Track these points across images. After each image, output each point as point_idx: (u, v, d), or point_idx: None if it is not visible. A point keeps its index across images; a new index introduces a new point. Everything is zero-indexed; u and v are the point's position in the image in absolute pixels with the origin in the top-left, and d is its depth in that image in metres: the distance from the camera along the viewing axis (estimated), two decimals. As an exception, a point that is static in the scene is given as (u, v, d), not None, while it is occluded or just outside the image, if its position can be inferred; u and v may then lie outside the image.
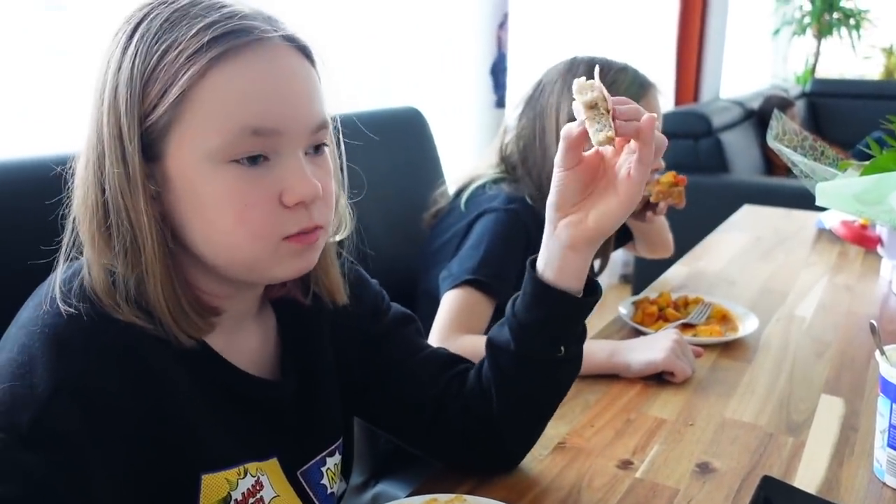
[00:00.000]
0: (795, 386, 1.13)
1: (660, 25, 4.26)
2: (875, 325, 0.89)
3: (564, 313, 0.81)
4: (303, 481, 0.82)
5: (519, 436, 0.89)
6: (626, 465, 0.92)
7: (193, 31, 0.64)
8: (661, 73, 4.34)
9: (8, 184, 0.85)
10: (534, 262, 0.82)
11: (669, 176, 1.44)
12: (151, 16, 0.65)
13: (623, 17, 3.64)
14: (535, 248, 1.27)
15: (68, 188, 0.70)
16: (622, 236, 1.67)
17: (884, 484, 0.87)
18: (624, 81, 1.31)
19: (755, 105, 4.44)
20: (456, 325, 1.20)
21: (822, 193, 0.99)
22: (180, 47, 0.63)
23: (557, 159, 0.77)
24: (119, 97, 0.64)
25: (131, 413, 0.65)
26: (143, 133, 0.64)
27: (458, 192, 1.41)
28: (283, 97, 0.66)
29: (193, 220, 0.67)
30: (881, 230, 1.61)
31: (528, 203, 1.31)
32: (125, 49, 0.64)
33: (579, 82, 0.74)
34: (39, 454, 0.59)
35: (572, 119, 1.14)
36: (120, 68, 0.64)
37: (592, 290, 0.82)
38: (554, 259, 0.79)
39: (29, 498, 0.58)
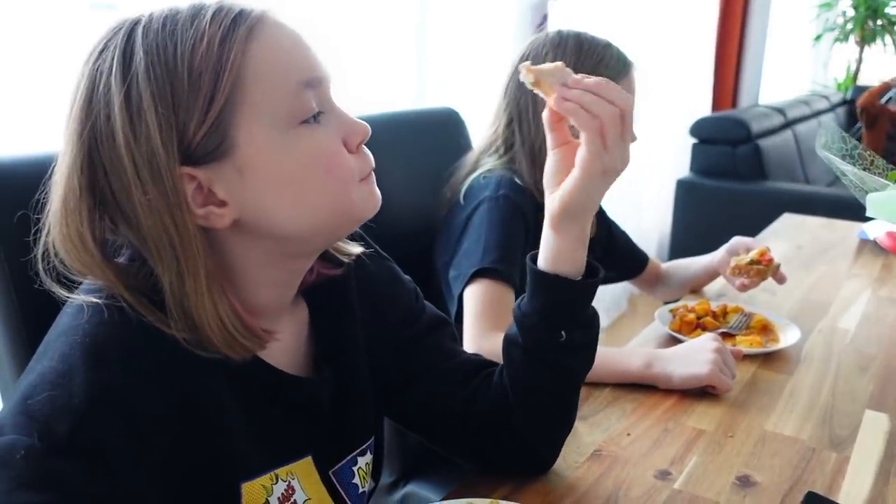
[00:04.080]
0: (838, 400, 1.10)
1: (699, 28, 4.19)
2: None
3: (561, 298, 0.81)
4: (335, 480, 0.82)
5: (541, 434, 0.88)
6: (664, 475, 0.90)
7: (206, 21, 0.63)
8: (699, 78, 4.29)
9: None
10: (534, 255, 0.84)
11: (756, 252, 1.42)
12: (139, 30, 0.63)
13: (662, 17, 3.59)
14: (533, 226, 1.27)
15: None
16: (627, 271, 1.66)
17: (932, 504, 0.85)
18: (611, 59, 1.32)
19: (795, 112, 4.37)
20: (484, 321, 1.18)
21: (873, 204, 0.96)
22: (206, 38, 0.62)
23: (547, 141, 0.81)
24: (143, 123, 0.61)
25: (170, 424, 0.64)
26: (192, 143, 0.62)
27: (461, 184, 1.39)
28: (308, 49, 0.69)
29: (278, 197, 0.66)
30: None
31: (518, 184, 1.31)
32: (126, 75, 0.61)
33: (540, 69, 0.77)
34: (76, 464, 0.58)
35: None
36: (129, 97, 0.61)
37: (592, 274, 0.83)
38: (545, 246, 0.82)
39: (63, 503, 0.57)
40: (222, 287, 0.68)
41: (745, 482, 0.89)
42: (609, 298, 3.31)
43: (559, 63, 0.77)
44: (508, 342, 0.86)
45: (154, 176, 0.62)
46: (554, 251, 0.81)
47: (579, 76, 0.76)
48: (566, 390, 0.88)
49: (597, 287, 0.83)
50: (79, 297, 0.65)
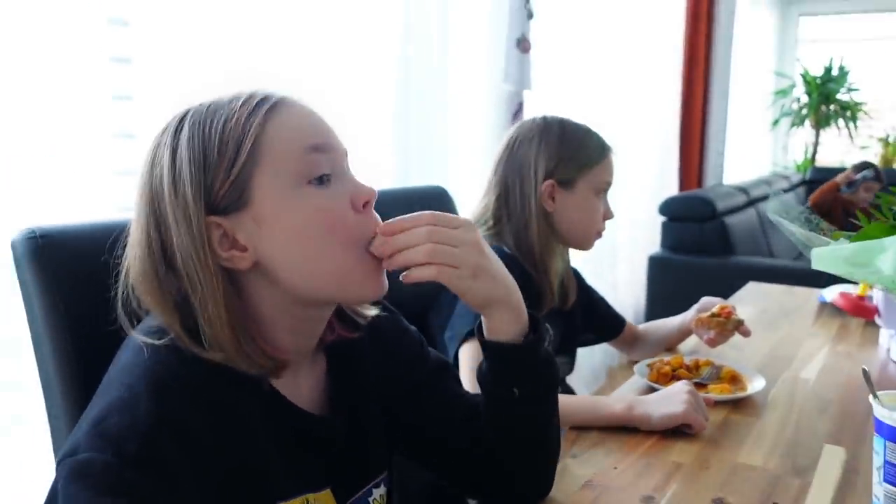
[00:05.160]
0: (801, 436, 1.23)
1: (664, 114, 4.47)
2: (867, 370, 1.00)
3: (507, 360, 0.92)
4: None
5: (522, 467, 0.98)
6: (648, 499, 1.01)
7: (238, 103, 0.79)
8: (667, 160, 4.53)
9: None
10: (480, 326, 0.94)
11: (717, 307, 1.59)
12: (190, 113, 0.80)
13: (630, 105, 3.84)
14: (525, 292, 1.40)
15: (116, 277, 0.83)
16: (606, 333, 1.79)
17: (882, 517, 0.97)
18: (590, 143, 1.50)
19: (758, 192, 4.62)
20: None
21: (817, 257, 1.11)
22: (235, 116, 0.78)
23: None
24: (182, 179, 0.76)
25: (218, 447, 0.74)
26: (216, 195, 0.76)
27: None
28: (321, 124, 0.83)
29: (290, 254, 0.78)
30: (878, 301, 1.72)
31: (506, 252, 1.46)
32: (174, 145, 0.78)
33: None
34: (145, 477, 0.68)
35: (547, 171, 1.44)
36: (174, 160, 0.77)
37: (535, 329, 0.94)
38: (484, 322, 0.93)
39: None
40: (246, 326, 0.79)
41: (720, 503, 1.00)
42: (589, 372, 3.43)
43: None
44: (480, 397, 0.98)
45: (187, 222, 0.76)
46: (488, 327, 0.93)
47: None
48: (533, 433, 0.97)
49: (540, 343, 0.93)
50: (139, 337, 0.77)
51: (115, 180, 1.52)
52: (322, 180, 0.80)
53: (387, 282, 0.85)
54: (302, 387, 0.88)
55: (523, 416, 0.95)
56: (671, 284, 3.74)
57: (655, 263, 3.88)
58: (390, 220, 0.84)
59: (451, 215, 0.86)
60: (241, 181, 0.77)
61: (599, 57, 3.48)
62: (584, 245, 1.55)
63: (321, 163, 0.80)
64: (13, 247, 0.92)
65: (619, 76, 3.69)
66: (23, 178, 1.39)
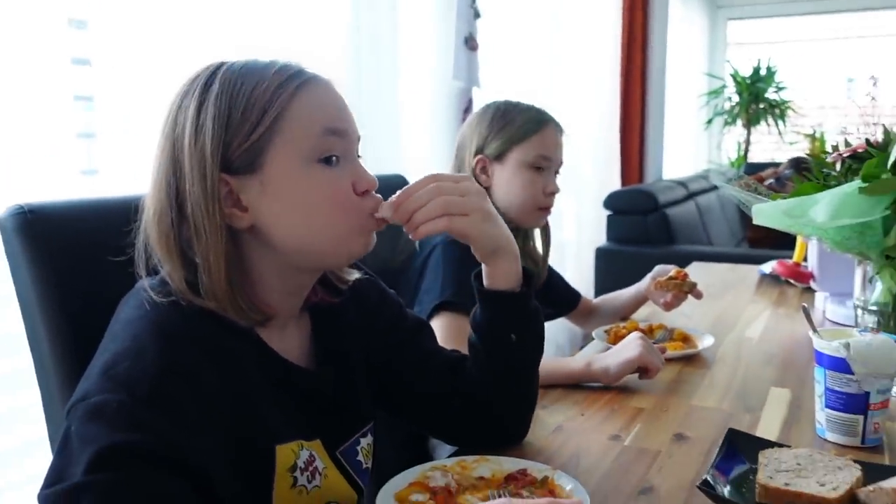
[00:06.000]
0: (749, 382, 1.33)
1: (604, 115, 4.61)
2: (807, 307, 1.10)
3: (506, 307, 1.01)
4: (342, 459, 0.97)
5: (510, 412, 1.06)
6: (615, 437, 1.09)
7: (271, 72, 0.84)
8: (608, 157, 4.67)
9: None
10: (478, 275, 1.03)
11: (674, 271, 1.69)
12: (223, 69, 0.84)
13: (573, 103, 3.96)
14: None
15: (138, 219, 0.87)
16: (563, 307, 1.88)
17: (825, 440, 1.07)
18: (519, 118, 1.55)
19: (696, 186, 4.81)
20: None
21: (758, 212, 1.22)
22: (266, 83, 0.82)
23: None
24: (204, 132, 0.81)
25: (222, 391, 0.79)
26: (232, 155, 0.81)
27: None
28: (343, 109, 0.89)
29: (290, 214, 0.84)
30: (813, 267, 1.85)
31: None
32: (203, 97, 0.82)
33: None
34: (159, 415, 0.71)
35: (478, 147, 1.55)
36: (200, 113, 0.81)
37: (527, 281, 1.02)
38: (485, 272, 1.01)
39: (151, 445, 0.70)
40: (240, 281, 0.84)
41: (680, 437, 1.09)
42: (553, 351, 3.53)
43: None
44: (472, 345, 1.05)
45: (201, 174, 0.80)
46: (490, 276, 1.01)
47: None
48: (524, 376, 1.06)
49: (532, 293, 1.02)
50: (144, 284, 0.83)
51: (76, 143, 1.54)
52: (330, 161, 0.85)
53: (374, 239, 0.91)
54: (289, 343, 0.94)
55: (518, 360, 1.03)
56: (618, 274, 3.84)
57: (602, 255, 4.00)
58: (397, 193, 0.91)
59: (449, 173, 0.93)
60: (257, 146, 0.82)
61: (543, 57, 3.59)
62: (525, 220, 1.59)
63: (334, 145, 0.85)
64: (1, 223, 0.94)
65: (561, 76, 3.82)
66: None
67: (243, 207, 0.83)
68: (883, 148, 1.20)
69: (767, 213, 1.20)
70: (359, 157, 0.91)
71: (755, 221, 1.22)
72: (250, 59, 0.86)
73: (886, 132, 1.23)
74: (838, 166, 1.28)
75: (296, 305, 0.95)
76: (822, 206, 1.15)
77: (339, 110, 0.88)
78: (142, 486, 0.68)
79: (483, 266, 1.01)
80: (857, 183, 1.16)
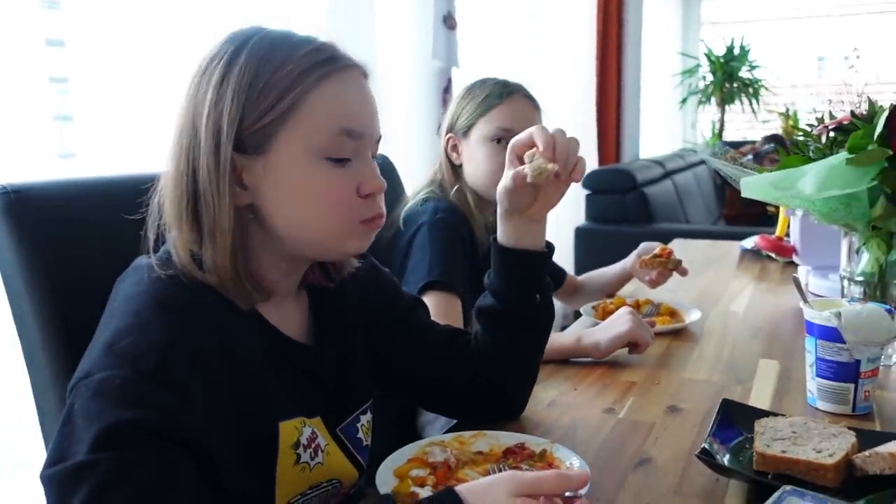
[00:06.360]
0: (737, 355, 1.34)
1: (581, 95, 4.62)
2: (798, 278, 1.11)
3: (532, 268, 1.03)
4: (342, 436, 0.96)
5: (518, 382, 1.07)
6: (609, 411, 1.10)
7: (301, 52, 0.81)
8: (585, 137, 4.69)
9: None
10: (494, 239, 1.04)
11: (658, 248, 1.69)
12: (254, 39, 0.81)
13: (548, 84, 3.96)
14: (469, 242, 1.47)
15: (151, 188, 0.85)
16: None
17: (816, 409, 1.08)
18: (482, 91, 1.54)
19: (672, 165, 4.83)
20: None
21: (746, 185, 1.22)
22: (290, 66, 0.80)
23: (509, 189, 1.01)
24: (223, 107, 0.79)
25: (224, 366, 0.78)
26: (244, 132, 0.79)
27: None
28: (366, 108, 0.85)
29: (286, 208, 0.82)
30: (795, 241, 1.87)
31: (453, 206, 1.51)
32: (229, 66, 0.79)
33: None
34: (164, 390, 0.70)
35: (449, 126, 1.54)
36: (223, 82, 0.79)
37: (548, 248, 1.06)
38: (516, 232, 1.03)
39: (156, 422, 0.69)
40: (243, 257, 0.83)
41: (673, 409, 1.10)
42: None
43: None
44: (486, 313, 1.05)
45: (215, 145, 0.79)
46: (528, 235, 1.02)
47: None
48: (537, 344, 1.08)
49: (551, 256, 1.05)
50: (152, 260, 0.81)
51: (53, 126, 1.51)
52: (338, 161, 0.83)
53: (371, 240, 0.90)
54: (288, 320, 0.93)
55: (538, 323, 1.05)
56: (597, 253, 3.87)
57: (581, 234, 4.02)
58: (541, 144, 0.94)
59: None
60: (267, 130, 0.80)
61: (519, 37, 3.58)
62: (493, 195, 1.57)
63: (346, 147, 0.83)
64: (-18, 204, 0.92)
65: (538, 56, 3.81)
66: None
67: (244, 186, 0.82)
68: (868, 120, 1.21)
69: (755, 186, 1.21)
70: (374, 157, 0.89)
71: (743, 194, 1.23)
72: (287, 33, 0.83)
73: (871, 104, 1.24)
74: (823, 139, 1.29)
75: (293, 283, 0.94)
76: (810, 178, 1.16)
77: (362, 110, 0.85)
78: (146, 464, 0.67)
79: (507, 227, 1.03)
80: (843, 155, 1.17)
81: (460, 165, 1.56)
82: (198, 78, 0.82)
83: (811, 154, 1.28)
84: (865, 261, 1.25)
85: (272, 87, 0.79)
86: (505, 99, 1.52)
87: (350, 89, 0.84)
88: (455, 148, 1.56)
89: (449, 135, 1.56)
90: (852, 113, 1.24)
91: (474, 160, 1.53)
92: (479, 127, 1.52)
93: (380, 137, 0.88)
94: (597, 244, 3.92)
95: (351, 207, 0.84)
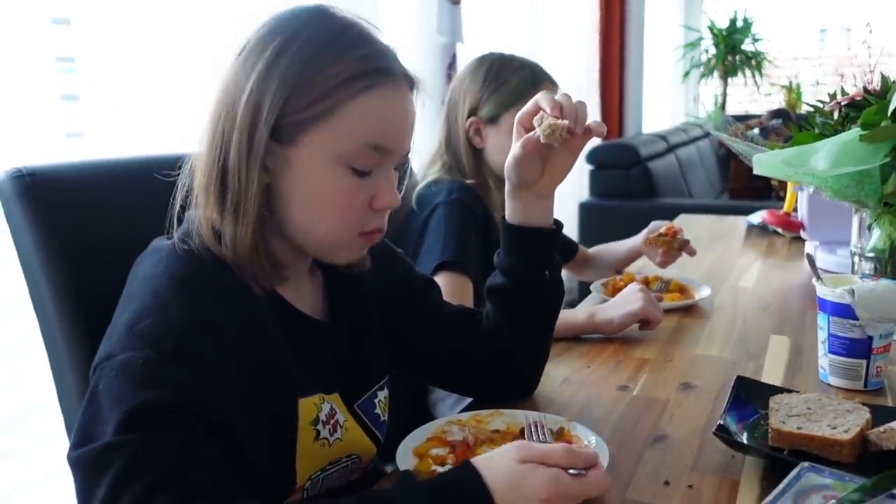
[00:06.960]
0: (748, 331, 1.35)
1: (583, 70, 4.60)
2: (811, 255, 1.12)
3: (542, 245, 1.04)
4: (360, 412, 0.97)
5: (530, 359, 1.08)
6: (623, 388, 1.11)
7: (352, 55, 0.80)
8: (589, 112, 4.66)
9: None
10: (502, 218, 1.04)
11: (665, 227, 1.68)
12: (313, 28, 0.81)
13: (551, 60, 3.94)
14: (482, 222, 1.47)
15: (183, 162, 0.86)
16: (562, 255, 1.87)
17: (828, 385, 1.09)
18: (515, 80, 1.53)
19: (675, 139, 4.82)
20: None
21: (758, 163, 1.22)
22: (338, 68, 0.79)
23: (518, 160, 1.00)
24: (266, 91, 0.78)
25: (244, 344, 0.79)
26: (280, 120, 0.79)
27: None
28: (401, 127, 0.85)
29: (297, 200, 0.83)
30: (802, 217, 1.87)
31: (467, 186, 1.51)
32: (279, 54, 0.79)
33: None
34: (184, 369, 0.71)
35: (470, 109, 1.51)
36: (269, 69, 0.79)
37: (556, 225, 1.07)
38: (527, 210, 1.03)
39: (179, 401, 0.70)
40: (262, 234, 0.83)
41: (687, 386, 1.10)
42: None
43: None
44: (496, 292, 1.05)
45: (251, 125, 0.79)
46: (537, 212, 1.02)
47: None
48: (551, 320, 1.08)
49: (560, 233, 1.06)
50: (174, 240, 0.81)
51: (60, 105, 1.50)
52: (359, 172, 0.83)
53: (366, 253, 0.91)
54: (304, 298, 0.93)
55: (549, 300, 1.06)
56: (601, 228, 3.87)
57: (585, 209, 4.02)
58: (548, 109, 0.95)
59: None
60: (302, 125, 0.80)
61: (523, 12, 3.56)
62: None
63: (371, 159, 0.83)
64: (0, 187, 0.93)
65: (541, 31, 3.78)
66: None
67: (266, 168, 0.82)
68: (881, 95, 1.21)
69: (767, 162, 1.21)
70: (396, 169, 0.88)
71: (755, 171, 1.23)
72: (344, 27, 0.82)
73: (884, 79, 1.23)
74: (836, 115, 1.28)
75: (305, 265, 0.95)
76: (822, 155, 1.16)
77: (396, 127, 0.85)
78: (172, 444, 0.68)
79: (515, 204, 1.03)
80: (856, 131, 1.17)
81: (482, 149, 1.55)
82: (248, 50, 0.81)
83: (820, 129, 1.28)
84: (877, 237, 1.25)
85: (316, 86, 0.79)
86: (537, 88, 1.50)
87: (390, 105, 0.83)
88: (478, 132, 1.55)
89: (473, 119, 1.54)
90: (865, 89, 1.24)
91: (505, 147, 1.52)
92: (511, 115, 1.49)
93: (408, 153, 0.88)
94: (601, 219, 3.92)
95: (358, 218, 0.85)
